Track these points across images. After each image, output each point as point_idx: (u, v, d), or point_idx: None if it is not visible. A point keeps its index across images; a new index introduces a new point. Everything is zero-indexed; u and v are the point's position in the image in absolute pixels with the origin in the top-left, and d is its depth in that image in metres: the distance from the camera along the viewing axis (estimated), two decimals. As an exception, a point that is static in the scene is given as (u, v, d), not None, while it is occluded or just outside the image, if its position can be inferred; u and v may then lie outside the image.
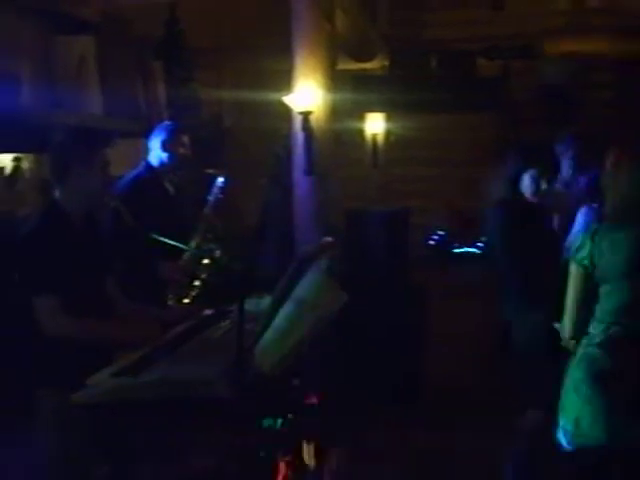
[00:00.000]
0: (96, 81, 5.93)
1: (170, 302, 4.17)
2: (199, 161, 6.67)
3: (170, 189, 4.37)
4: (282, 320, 2.37)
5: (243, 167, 7.18)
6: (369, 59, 6.76)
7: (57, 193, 3.00)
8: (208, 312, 3.21)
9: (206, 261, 4.31)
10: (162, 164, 4.30)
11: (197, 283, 4.26)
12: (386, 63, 7.04)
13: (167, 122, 4.45)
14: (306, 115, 4.63)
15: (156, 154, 4.30)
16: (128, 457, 2.94)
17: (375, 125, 7.37)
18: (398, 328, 5.12)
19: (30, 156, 5.36)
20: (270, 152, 5.99)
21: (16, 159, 5.24)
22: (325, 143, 4.77)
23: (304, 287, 2.37)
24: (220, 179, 4.40)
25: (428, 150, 7.44)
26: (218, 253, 4.29)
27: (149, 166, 4.32)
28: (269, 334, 2.37)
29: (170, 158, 4.28)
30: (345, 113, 6.80)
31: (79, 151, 2.97)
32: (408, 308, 5.20)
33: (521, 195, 3.54)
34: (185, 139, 4.37)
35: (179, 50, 6.87)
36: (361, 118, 7.34)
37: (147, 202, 4.17)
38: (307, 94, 4.62)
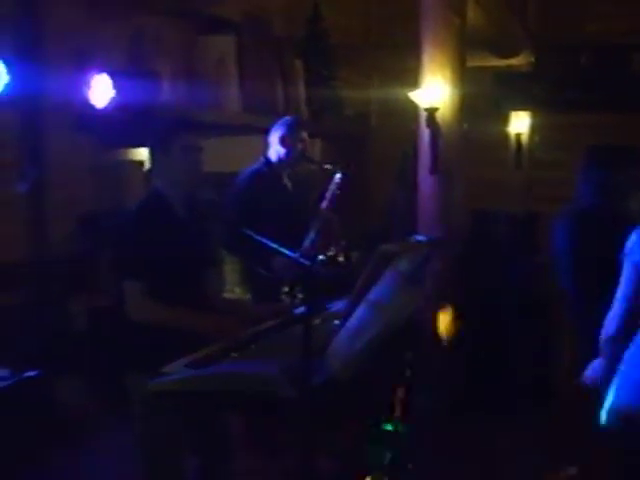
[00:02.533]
0: (235, 79, 6.06)
1: (284, 296, 4.16)
2: (339, 158, 6.69)
3: (288, 184, 4.36)
4: (354, 321, 2.28)
5: (380, 164, 7.13)
6: (513, 55, 6.48)
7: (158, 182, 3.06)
8: (301, 309, 3.15)
9: (321, 257, 4.27)
10: (280, 159, 4.30)
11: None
12: (532, 59, 6.71)
13: (286, 117, 4.44)
14: (431, 112, 4.50)
15: (274, 149, 4.32)
16: (212, 449, 2.94)
17: (519, 124, 7.06)
18: (521, 332, 4.88)
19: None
20: (399, 150, 5.87)
21: (155, 153, 5.41)
22: (452, 141, 4.61)
23: (379, 288, 2.26)
24: (338, 175, 4.34)
25: (576, 152, 6.96)
26: (333, 250, 4.24)
27: (267, 161, 4.34)
28: (341, 335, 2.28)
29: (288, 153, 4.28)
30: (486, 111, 6.57)
31: (157, 139, 3.02)
32: (532, 312, 4.94)
33: (609, 203, 3.23)
34: (304, 135, 4.36)
35: (321, 48, 6.88)
36: (505, 117, 7.05)
37: (264, 197, 4.20)
38: (433, 90, 4.48)
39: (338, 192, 4.32)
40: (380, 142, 7.62)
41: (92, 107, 4.67)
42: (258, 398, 2.19)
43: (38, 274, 4.69)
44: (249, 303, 4.16)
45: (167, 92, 5.56)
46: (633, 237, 2.70)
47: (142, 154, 5.40)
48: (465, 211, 4.83)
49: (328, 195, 4.33)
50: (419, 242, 2.66)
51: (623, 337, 2.71)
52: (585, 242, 3.22)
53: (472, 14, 4.94)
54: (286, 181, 4.36)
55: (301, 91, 6.74)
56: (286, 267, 4.06)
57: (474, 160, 5.57)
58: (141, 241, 2.89)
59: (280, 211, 4.20)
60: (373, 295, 2.26)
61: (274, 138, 4.32)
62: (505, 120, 7.07)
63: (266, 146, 4.39)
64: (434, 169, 4.54)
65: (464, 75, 4.65)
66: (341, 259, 4.25)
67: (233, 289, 5.45)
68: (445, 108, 4.53)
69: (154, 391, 2.38)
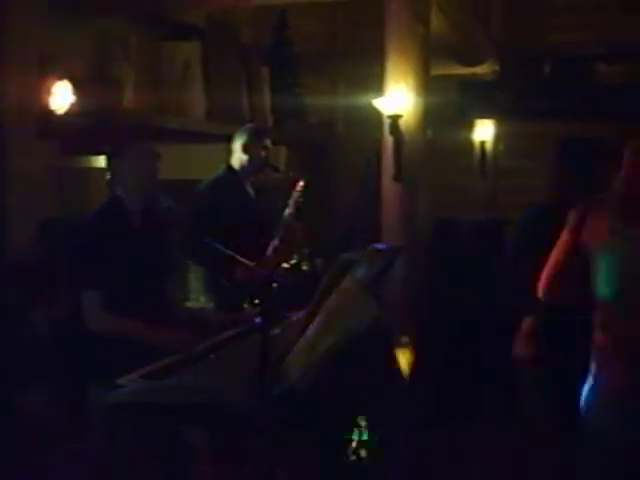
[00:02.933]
0: (200, 86, 6.03)
1: (245, 305, 4.13)
2: (304, 166, 6.67)
3: (251, 192, 4.34)
4: (312, 330, 2.26)
5: (345, 172, 7.13)
6: (477, 63, 6.52)
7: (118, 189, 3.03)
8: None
9: (284, 265, 4.25)
10: (243, 167, 4.28)
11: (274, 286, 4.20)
12: (497, 68, 6.76)
13: (250, 125, 4.41)
14: (395, 119, 4.50)
15: (237, 157, 4.29)
16: (172, 459, 2.91)
17: (484, 133, 7.11)
18: (488, 339, 4.88)
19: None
20: (362, 157, 5.89)
21: (119, 161, 5.35)
22: (415, 149, 4.61)
23: (336, 297, 2.24)
24: (301, 183, 4.33)
25: (540, 160, 7.04)
26: (296, 258, 4.22)
27: (230, 169, 4.31)
28: (299, 344, 2.26)
29: (251, 161, 4.26)
30: (451, 119, 6.61)
31: (113, 144, 3.00)
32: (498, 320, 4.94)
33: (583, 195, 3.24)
34: (267, 142, 4.34)
35: (286, 55, 6.87)
36: (469, 125, 7.10)
37: (226, 205, 4.17)
38: (396, 98, 4.48)
39: (301, 200, 4.31)
40: (345, 150, 7.64)
41: (53, 113, 4.61)
42: (215, 410, 2.16)
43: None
44: (211, 312, 4.13)
45: (130, 98, 5.52)
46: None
47: (103, 161, 5.34)
48: (429, 218, 4.83)
49: (291, 203, 4.32)
50: (379, 250, 2.65)
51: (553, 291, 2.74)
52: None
53: (436, 22, 4.96)
54: (249, 189, 4.33)
55: (266, 98, 6.73)
56: (247, 276, 4.04)
57: (439, 168, 5.59)
58: (96, 249, 2.85)
59: (243, 219, 4.18)
60: (330, 304, 2.25)
61: (237, 145, 4.30)
62: (470, 128, 7.12)
63: (229, 154, 4.37)
64: (397, 176, 4.54)
65: (428, 83, 4.65)
66: (305, 267, 4.24)
67: (198, 297, 5.41)
68: (409, 115, 4.53)
69: (111, 403, 2.34)
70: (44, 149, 4.86)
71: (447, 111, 6.39)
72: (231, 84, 6.29)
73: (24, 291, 4.76)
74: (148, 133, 5.45)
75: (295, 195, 4.32)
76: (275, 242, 4.23)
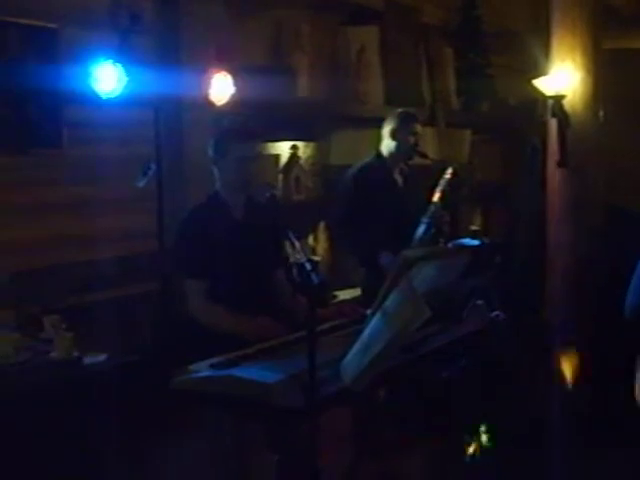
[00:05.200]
0: (377, 70, 5.95)
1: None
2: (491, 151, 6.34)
3: (398, 179, 4.21)
4: (368, 331, 2.14)
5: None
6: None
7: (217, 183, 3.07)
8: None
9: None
10: (391, 153, 4.16)
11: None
12: None
13: (399, 110, 4.27)
14: (558, 100, 4.14)
15: (386, 143, 4.18)
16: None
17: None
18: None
19: (306, 144, 5.55)
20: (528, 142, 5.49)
21: (293, 147, 5.44)
22: (583, 131, 4.23)
23: (392, 298, 2.09)
24: (449, 170, 4.12)
25: None
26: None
27: (379, 155, 4.21)
28: (356, 345, 2.16)
29: (399, 147, 4.13)
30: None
31: (216, 141, 3.02)
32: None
33: None
34: (418, 128, 4.18)
35: (475, 35, 6.58)
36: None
37: (374, 191, 4.08)
38: (559, 76, 4.12)
39: (448, 188, 4.11)
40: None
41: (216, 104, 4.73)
42: (254, 404, 2.11)
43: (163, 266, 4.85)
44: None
45: (305, 85, 5.55)
46: None
47: (278, 148, 5.44)
48: (599, 209, 4.40)
49: (437, 191, 4.13)
50: (464, 247, 2.43)
51: None
52: None
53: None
54: (396, 176, 4.21)
55: (450, 80, 6.49)
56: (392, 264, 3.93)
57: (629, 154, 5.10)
58: (196, 240, 2.91)
59: (388, 206, 4.08)
60: (387, 305, 2.11)
61: (386, 131, 4.19)
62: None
63: (379, 139, 4.26)
64: (562, 162, 4.19)
65: (600, 58, 4.23)
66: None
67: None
68: (575, 96, 4.15)
69: (176, 389, 2.37)
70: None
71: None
72: (411, 67, 6.14)
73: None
74: (323, 120, 5.49)
75: (443, 182, 4.13)
76: (420, 231, 4.08)
